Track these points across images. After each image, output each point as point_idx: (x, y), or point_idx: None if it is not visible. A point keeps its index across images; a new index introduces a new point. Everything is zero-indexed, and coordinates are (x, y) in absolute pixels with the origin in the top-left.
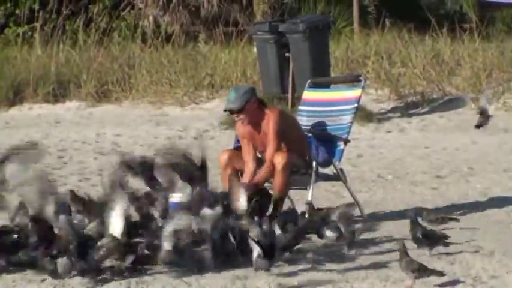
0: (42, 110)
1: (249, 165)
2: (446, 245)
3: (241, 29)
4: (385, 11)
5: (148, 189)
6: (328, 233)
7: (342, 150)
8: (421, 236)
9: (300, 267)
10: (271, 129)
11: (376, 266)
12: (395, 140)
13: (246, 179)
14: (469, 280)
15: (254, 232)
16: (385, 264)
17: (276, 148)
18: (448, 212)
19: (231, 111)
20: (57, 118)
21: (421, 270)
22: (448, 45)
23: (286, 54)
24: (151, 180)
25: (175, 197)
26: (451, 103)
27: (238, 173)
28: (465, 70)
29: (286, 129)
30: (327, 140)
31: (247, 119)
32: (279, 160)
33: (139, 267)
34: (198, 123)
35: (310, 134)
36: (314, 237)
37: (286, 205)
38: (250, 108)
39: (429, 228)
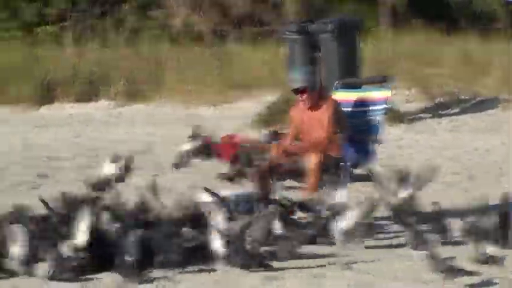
0: (73, 109)
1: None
2: None
3: (271, 29)
4: (414, 11)
5: None
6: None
7: (373, 151)
8: None
9: (333, 267)
10: (329, 114)
11: (407, 266)
12: (426, 141)
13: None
14: (506, 282)
15: None
16: (416, 265)
17: (328, 134)
18: (479, 213)
19: (297, 90)
20: (87, 117)
21: (450, 271)
22: (478, 46)
23: (316, 55)
24: None
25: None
26: (482, 104)
27: (269, 173)
28: (496, 70)
29: (337, 122)
30: (357, 141)
31: (309, 101)
32: (312, 159)
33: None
34: (229, 122)
35: (341, 134)
36: None
37: None
38: (313, 90)
39: None
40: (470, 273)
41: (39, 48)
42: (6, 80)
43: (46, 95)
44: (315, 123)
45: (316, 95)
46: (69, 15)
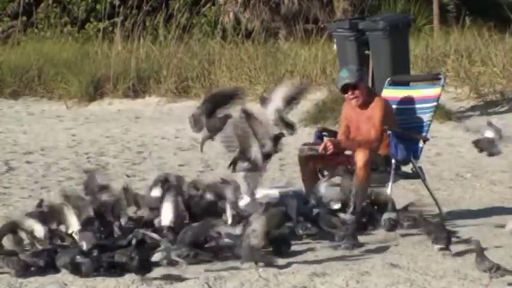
0: (122, 105)
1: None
2: None
3: (321, 26)
4: (465, 9)
5: None
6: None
7: (421, 148)
8: None
9: (381, 264)
10: (379, 113)
11: (454, 264)
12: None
13: None
14: None
15: None
16: (463, 263)
17: (379, 133)
18: None
19: (347, 87)
20: (137, 113)
21: (495, 270)
22: None
23: (366, 52)
24: None
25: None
26: None
27: (317, 171)
28: None
29: (387, 120)
30: (406, 138)
31: (361, 98)
32: (360, 157)
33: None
34: None
35: (389, 132)
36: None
37: None
38: (364, 86)
39: None
40: None
41: (89, 44)
42: (57, 75)
43: (96, 91)
44: (363, 120)
45: (364, 92)
46: (118, 11)
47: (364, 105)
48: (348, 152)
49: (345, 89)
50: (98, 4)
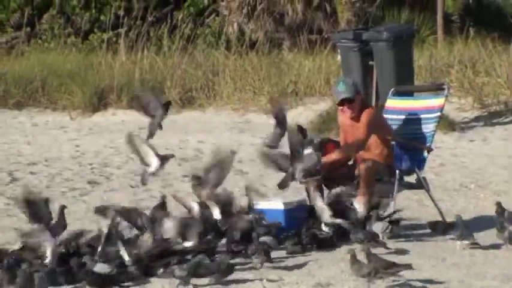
0: (126, 116)
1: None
2: None
3: (325, 36)
4: (469, 20)
5: None
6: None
7: (425, 159)
8: None
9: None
10: (364, 119)
11: (458, 274)
12: (478, 149)
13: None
14: None
15: None
16: (466, 271)
17: (364, 137)
18: None
19: (343, 101)
20: (140, 124)
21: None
22: None
23: (370, 63)
24: None
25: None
26: None
27: (321, 182)
28: None
29: (377, 127)
30: (410, 148)
31: (356, 109)
32: (364, 168)
33: None
34: None
35: (393, 142)
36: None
37: None
38: (359, 98)
39: None
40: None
41: (93, 55)
42: (61, 86)
43: (99, 101)
44: (356, 131)
45: (359, 105)
46: (122, 22)
47: (357, 117)
48: (350, 163)
49: (342, 102)
50: (102, 15)
